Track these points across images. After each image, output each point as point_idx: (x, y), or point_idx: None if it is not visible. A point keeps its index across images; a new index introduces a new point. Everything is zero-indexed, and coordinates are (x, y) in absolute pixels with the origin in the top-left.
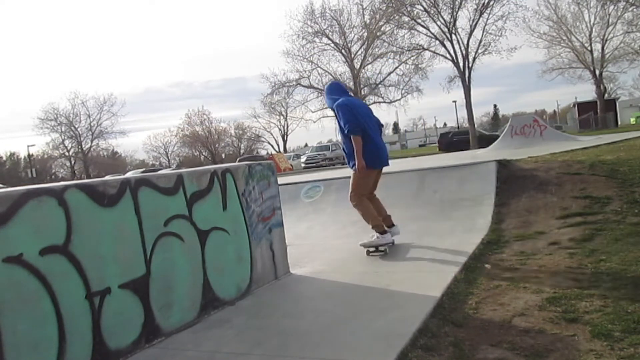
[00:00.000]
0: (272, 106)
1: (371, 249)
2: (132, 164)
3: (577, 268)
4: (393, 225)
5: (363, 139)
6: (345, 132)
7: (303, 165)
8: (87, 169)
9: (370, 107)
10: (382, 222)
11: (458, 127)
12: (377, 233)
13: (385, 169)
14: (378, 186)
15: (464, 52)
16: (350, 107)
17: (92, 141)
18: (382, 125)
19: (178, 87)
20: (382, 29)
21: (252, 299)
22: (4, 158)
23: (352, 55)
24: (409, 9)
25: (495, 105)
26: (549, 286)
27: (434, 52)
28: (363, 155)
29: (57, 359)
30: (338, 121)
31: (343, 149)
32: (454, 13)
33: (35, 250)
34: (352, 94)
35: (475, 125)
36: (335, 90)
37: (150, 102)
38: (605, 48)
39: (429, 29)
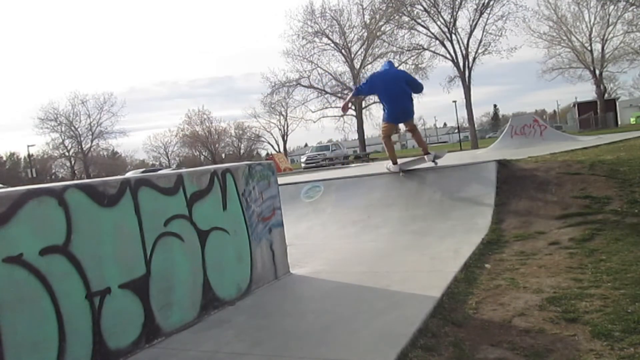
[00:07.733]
0: (272, 106)
1: (391, 167)
2: (132, 164)
3: (577, 268)
4: (429, 153)
5: (383, 101)
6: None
7: (303, 165)
8: (87, 169)
9: (369, 107)
10: (395, 158)
11: (458, 127)
12: (391, 164)
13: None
14: (378, 186)
15: (464, 52)
16: (370, 77)
17: (92, 141)
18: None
19: (163, 85)
20: (382, 29)
21: (252, 299)
22: (4, 158)
23: (352, 55)
24: (409, 9)
25: (495, 105)
26: (549, 286)
27: (434, 52)
28: (386, 114)
29: (57, 359)
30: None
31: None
32: (454, 13)
33: (35, 250)
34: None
35: (475, 125)
36: (385, 65)
37: (137, 101)
38: (605, 48)
39: (429, 29)
